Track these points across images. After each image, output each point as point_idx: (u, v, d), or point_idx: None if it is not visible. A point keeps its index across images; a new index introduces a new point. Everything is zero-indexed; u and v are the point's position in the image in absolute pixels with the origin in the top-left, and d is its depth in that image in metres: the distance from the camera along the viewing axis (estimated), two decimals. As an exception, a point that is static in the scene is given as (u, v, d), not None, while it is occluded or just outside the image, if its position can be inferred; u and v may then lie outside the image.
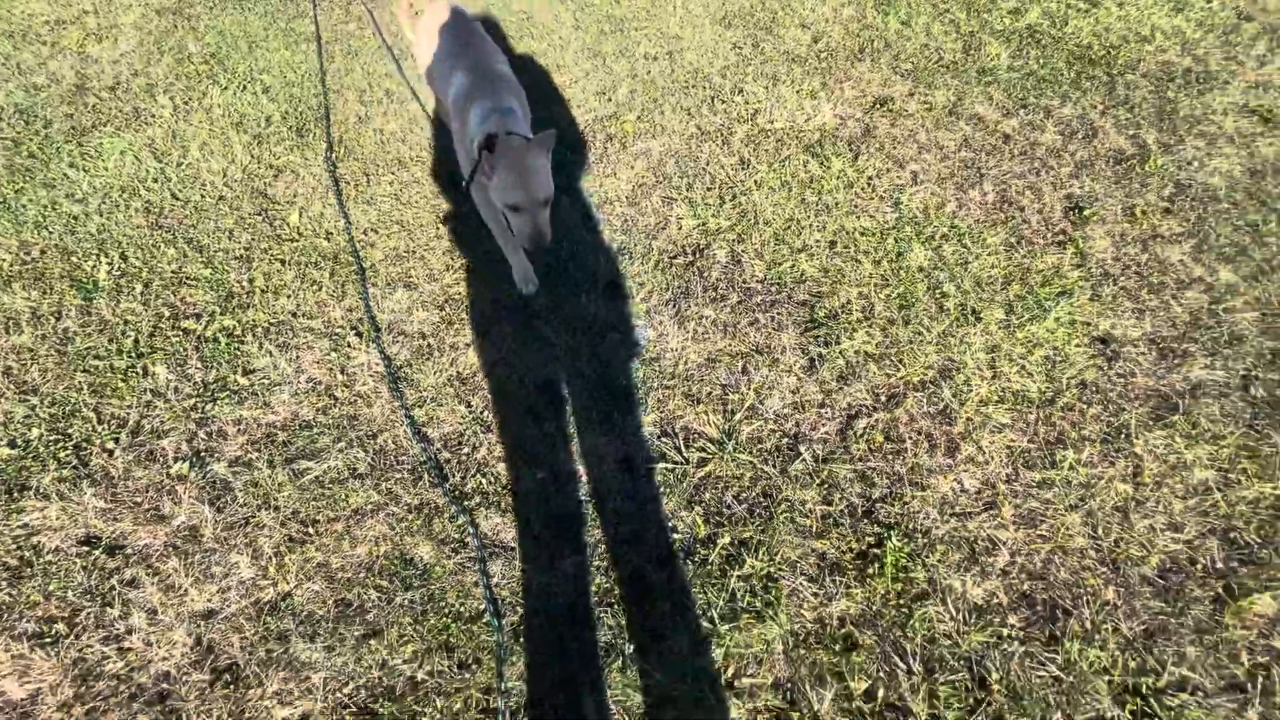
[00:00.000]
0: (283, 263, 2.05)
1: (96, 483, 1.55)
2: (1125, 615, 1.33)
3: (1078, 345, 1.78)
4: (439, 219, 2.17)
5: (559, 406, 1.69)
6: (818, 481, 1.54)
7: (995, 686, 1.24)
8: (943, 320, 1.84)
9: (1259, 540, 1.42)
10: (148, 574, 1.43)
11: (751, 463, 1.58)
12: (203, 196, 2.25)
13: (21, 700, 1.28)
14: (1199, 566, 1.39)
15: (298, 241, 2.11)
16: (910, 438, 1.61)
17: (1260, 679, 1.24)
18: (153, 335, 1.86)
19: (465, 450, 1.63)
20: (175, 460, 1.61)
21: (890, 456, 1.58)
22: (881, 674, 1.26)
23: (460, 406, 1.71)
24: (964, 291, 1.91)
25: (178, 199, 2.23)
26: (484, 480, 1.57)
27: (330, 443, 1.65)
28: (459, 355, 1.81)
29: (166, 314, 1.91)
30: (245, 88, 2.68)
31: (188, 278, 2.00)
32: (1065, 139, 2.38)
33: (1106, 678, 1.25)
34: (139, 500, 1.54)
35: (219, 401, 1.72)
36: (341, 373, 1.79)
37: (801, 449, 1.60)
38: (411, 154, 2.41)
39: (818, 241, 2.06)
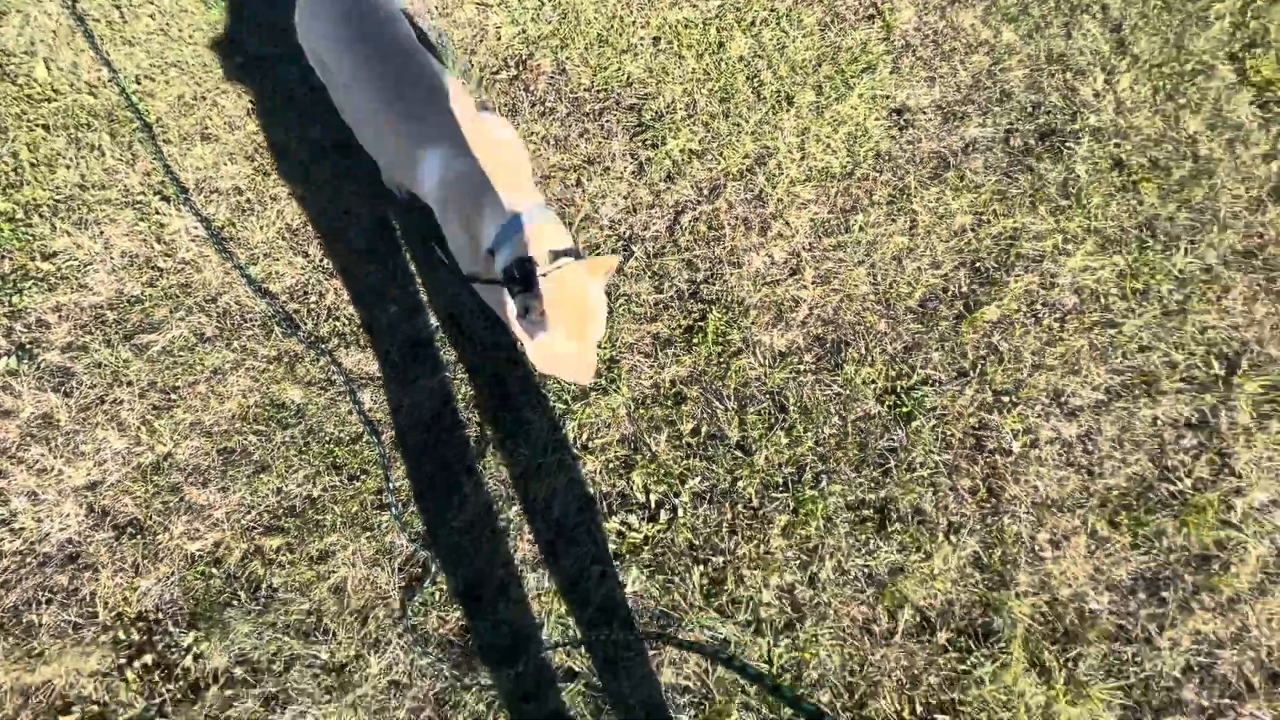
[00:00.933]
0: (46, 128, 1.79)
1: (-85, 392, 1.48)
2: (891, 340, 1.67)
3: (876, 119, 1.95)
4: (225, 54, 1.92)
5: (398, 242, 1.72)
6: (650, 274, 1.72)
7: (791, 408, 1.58)
8: (759, 109, 1.93)
9: (995, 265, 1.76)
10: (12, 464, 1.45)
11: (591, 267, 1.72)
12: (-93, 56, 1.84)
13: (-73, 589, 1.35)
14: (949, 293, 1.73)
15: (56, 101, 1.83)
16: (729, 224, 1.79)
17: (979, 367, 1.64)
18: (-87, 231, 1.64)
19: (313, 299, 1.66)
20: (-1, 357, 1.55)
21: (712, 243, 1.76)
22: (704, 415, 1.56)
23: (297, 258, 1.69)
24: (780, 78, 1.98)
25: (-127, 62, 1.82)
26: (337, 323, 1.63)
27: (168, 313, 1.62)
28: (284, 206, 1.75)
29: (-80, 206, 1.67)
30: (-94, -103, 2.05)
31: (-71, 160, 1.72)
32: (883, -101, 2.32)
33: (872, 386, 1.61)
34: (-27, 401, 1.50)
35: (25, 292, 1.61)
36: (158, 242, 1.69)
37: (635, 248, 1.74)
38: (167, -25, 2.02)
39: (642, 40, 2.02)
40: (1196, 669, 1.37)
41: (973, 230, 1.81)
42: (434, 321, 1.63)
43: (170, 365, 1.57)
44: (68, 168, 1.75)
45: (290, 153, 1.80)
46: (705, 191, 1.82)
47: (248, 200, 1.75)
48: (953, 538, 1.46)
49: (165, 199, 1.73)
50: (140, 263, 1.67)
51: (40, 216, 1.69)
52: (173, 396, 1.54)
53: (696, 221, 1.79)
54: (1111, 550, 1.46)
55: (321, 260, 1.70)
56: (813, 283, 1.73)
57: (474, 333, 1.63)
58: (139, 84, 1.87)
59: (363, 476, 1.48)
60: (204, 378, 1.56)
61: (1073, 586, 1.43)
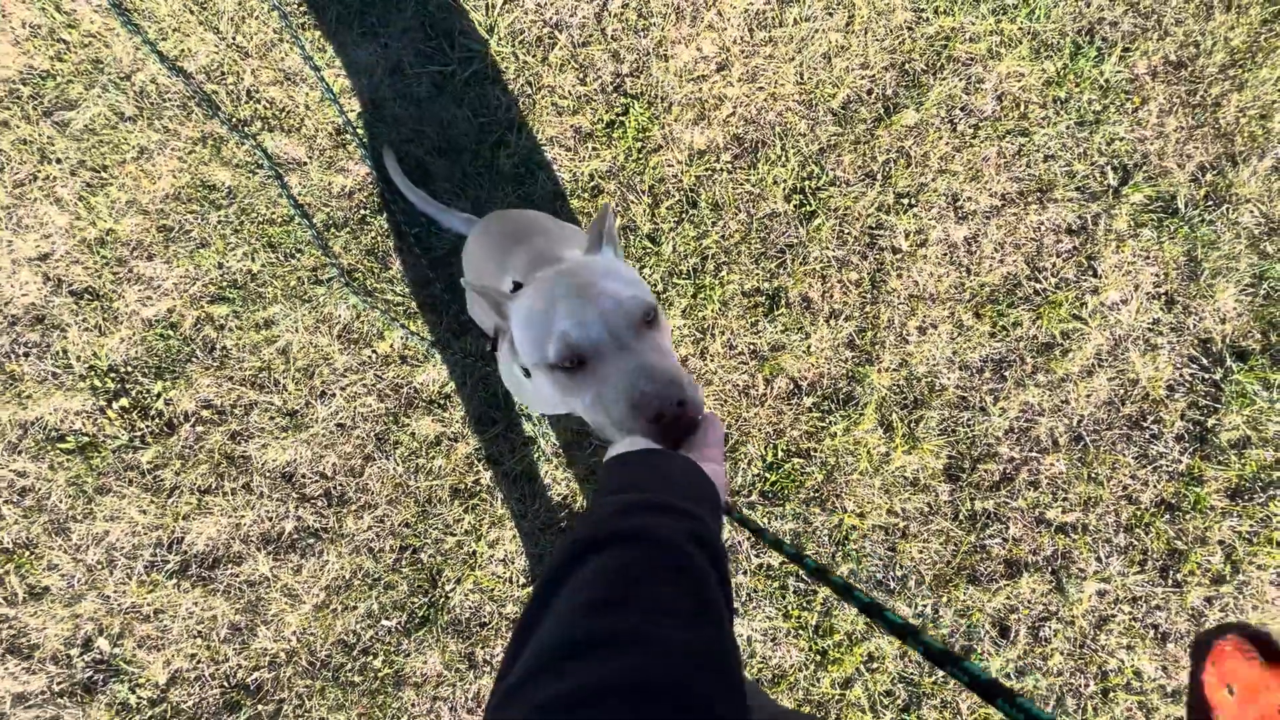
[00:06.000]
0: None
1: None
2: (808, 141, 1.71)
3: (829, -107, 1.79)
4: None
5: (315, 19, 1.65)
6: (575, 65, 1.69)
7: (702, 203, 1.67)
8: (702, -125, 1.76)
9: (924, 68, 1.75)
10: (-38, 234, 1.54)
11: (515, 54, 1.69)
12: None
13: (-88, 343, 1.51)
14: (872, 95, 1.74)
15: None
16: (659, 12, 1.72)
17: (887, 169, 1.71)
18: None
19: (230, 80, 1.64)
20: (-80, 130, 1.56)
21: (640, 33, 1.71)
22: (620, 206, 1.65)
23: (209, 34, 1.64)
24: None
25: None
26: (259, 106, 1.63)
27: (83, 89, 1.60)
28: (186, -26, 1.65)
29: None
30: None
31: None
32: None
33: (782, 185, 1.69)
34: (-94, 173, 1.54)
35: (-70, 61, 1.57)
36: (58, 11, 1.62)
37: (560, 35, 1.70)
38: None
39: None
40: (1016, 430, 1.65)
41: (909, 29, 1.76)
42: (358, 107, 1.64)
43: (96, 144, 1.59)
44: (-61, -82, 1.60)
45: (183, -92, 1.65)
46: (636, -27, 1.73)
47: (146, -35, 1.64)
48: (832, 322, 1.64)
49: (55, -40, 1.62)
50: (44, 34, 1.61)
51: (-77, -24, 1.59)
52: (104, 175, 1.58)
53: (626, 8, 1.72)
54: (970, 337, 1.67)
55: (234, 38, 1.64)
56: (739, 80, 1.72)
57: (401, 120, 1.65)
58: None
59: (299, 255, 1.59)
60: (130, 157, 1.59)
61: (928, 365, 1.65)
